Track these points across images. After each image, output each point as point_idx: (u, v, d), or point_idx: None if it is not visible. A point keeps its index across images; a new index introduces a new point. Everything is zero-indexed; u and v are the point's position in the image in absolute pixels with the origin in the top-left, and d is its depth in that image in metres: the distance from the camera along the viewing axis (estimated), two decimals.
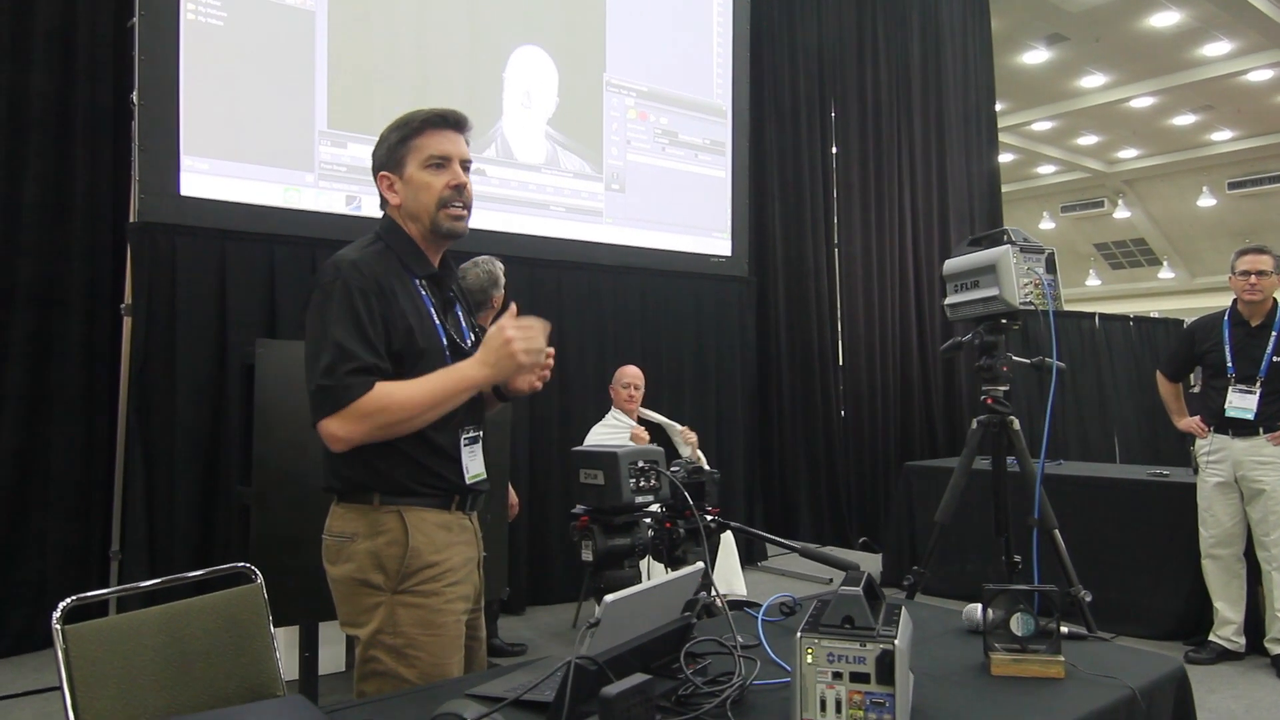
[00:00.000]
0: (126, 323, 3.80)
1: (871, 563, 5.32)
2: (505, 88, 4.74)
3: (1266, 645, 3.51)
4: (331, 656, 3.44)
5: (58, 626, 1.62)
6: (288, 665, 2.97)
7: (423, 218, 1.69)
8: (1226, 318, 3.66)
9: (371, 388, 1.53)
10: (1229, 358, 3.55)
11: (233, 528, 3.79)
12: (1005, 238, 2.48)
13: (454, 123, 1.71)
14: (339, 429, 1.53)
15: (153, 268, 3.74)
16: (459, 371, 1.60)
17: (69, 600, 1.68)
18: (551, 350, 1.69)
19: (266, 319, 3.96)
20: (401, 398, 1.55)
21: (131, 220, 3.75)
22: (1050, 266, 2.47)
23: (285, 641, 3.13)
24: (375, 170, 1.73)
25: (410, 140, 1.68)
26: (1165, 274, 17.32)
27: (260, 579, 1.97)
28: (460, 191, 1.69)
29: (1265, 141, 13.52)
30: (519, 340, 1.57)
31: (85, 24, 3.85)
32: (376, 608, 1.59)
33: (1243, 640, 3.58)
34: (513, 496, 3.92)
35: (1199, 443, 3.67)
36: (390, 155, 1.69)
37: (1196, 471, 3.69)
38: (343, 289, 1.57)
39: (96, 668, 1.65)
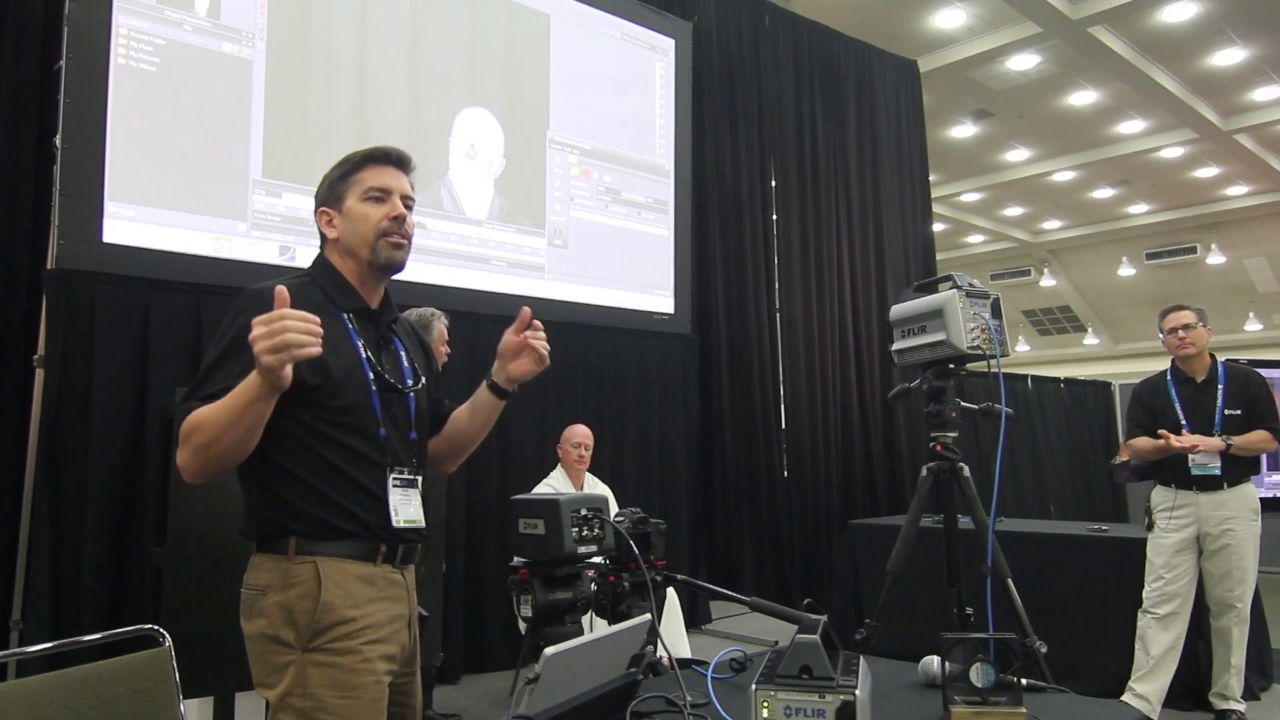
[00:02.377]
0: (38, 375, 3.59)
1: None
2: (452, 147, 4.71)
3: (1211, 699, 3.51)
4: None
5: None
6: None
7: (360, 250, 1.63)
8: (1169, 378, 3.69)
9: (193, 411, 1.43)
10: (1182, 416, 3.57)
11: (146, 593, 3.55)
12: (951, 282, 2.49)
13: (396, 159, 1.68)
14: (178, 458, 1.44)
15: (69, 317, 3.56)
16: (244, 381, 1.39)
17: None
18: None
19: (190, 372, 3.78)
20: (207, 414, 1.40)
21: (48, 267, 3.58)
22: (996, 312, 2.49)
23: (199, 714, 2.92)
24: (315, 208, 1.69)
25: (351, 175, 1.65)
26: (1090, 340, 17.92)
27: (169, 642, 1.81)
28: (400, 223, 1.63)
29: (1178, 215, 14.21)
30: (260, 340, 1.30)
31: (9, 66, 3.71)
32: (286, 667, 1.46)
33: (1159, 710, 3.54)
34: None
35: (1157, 498, 3.64)
36: (330, 191, 1.66)
37: (1150, 527, 3.64)
38: (235, 320, 1.50)
39: None
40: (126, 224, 3.70)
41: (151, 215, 3.76)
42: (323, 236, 1.68)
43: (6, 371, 3.65)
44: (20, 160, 3.73)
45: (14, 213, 3.70)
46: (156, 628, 1.82)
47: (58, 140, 3.58)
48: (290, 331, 1.29)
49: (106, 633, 1.79)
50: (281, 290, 1.34)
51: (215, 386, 1.44)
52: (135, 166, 3.72)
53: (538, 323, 1.72)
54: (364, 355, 1.59)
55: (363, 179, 1.63)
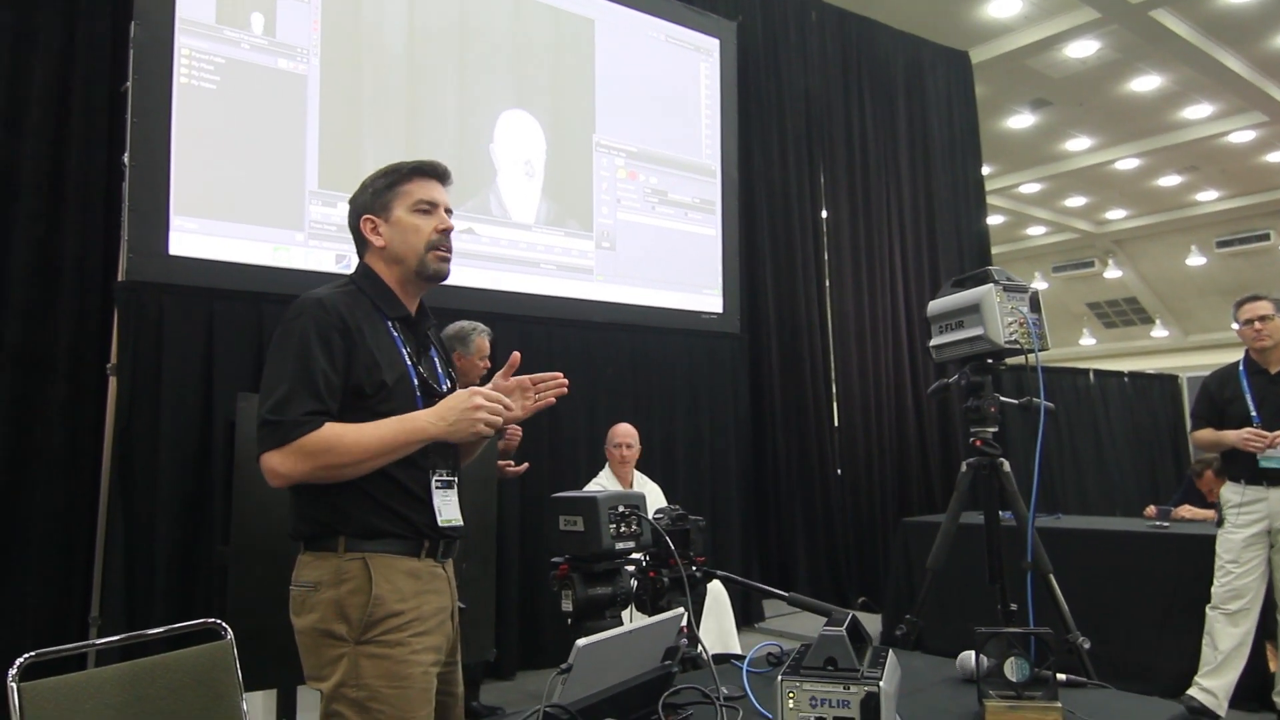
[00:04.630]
0: (111, 383, 3.77)
1: (872, 622, 5.20)
2: (496, 152, 4.80)
3: (1276, 699, 3.42)
4: None
5: (13, 684, 1.56)
6: None
7: (409, 259, 1.70)
8: (1243, 369, 3.62)
9: (320, 426, 1.52)
10: (1252, 408, 3.50)
11: (213, 590, 3.70)
12: (988, 277, 2.47)
13: (440, 174, 1.76)
14: (280, 464, 1.51)
15: (139, 327, 3.73)
16: (412, 422, 1.58)
17: (27, 656, 1.62)
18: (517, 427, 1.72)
19: (253, 378, 3.93)
20: (350, 440, 1.53)
21: (119, 280, 3.75)
22: (1034, 306, 2.46)
23: (263, 706, 3.03)
24: (357, 214, 1.75)
25: (398, 186, 1.71)
26: (1158, 332, 17.35)
27: (230, 635, 1.90)
28: (447, 236, 1.72)
29: (1250, 201, 13.68)
30: (484, 411, 1.58)
31: (80, 88, 3.90)
32: (339, 659, 1.53)
33: (1226, 707, 3.46)
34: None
35: (1227, 494, 3.58)
36: (376, 199, 1.72)
37: (1220, 523, 3.58)
38: (303, 328, 1.57)
39: None
40: (191, 236, 3.86)
41: (213, 227, 3.92)
42: (364, 243, 1.74)
43: (82, 380, 3.84)
44: (92, 178, 3.91)
45: (87, 229, 3.89)
46: (219, 622, 1.91)
47: (126, 158, 3.76)
48: (501, 414, 1.61)
49: (169, 627, 1.89)
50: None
51: (314, 403, 1.52)
52: (198, 181, 3.88)
53: (552, 378, 1.76)
54: (409, 362, 1.66)
55: (411, 191, 1.71)
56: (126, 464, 3.66)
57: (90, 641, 1.88)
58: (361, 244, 1.75)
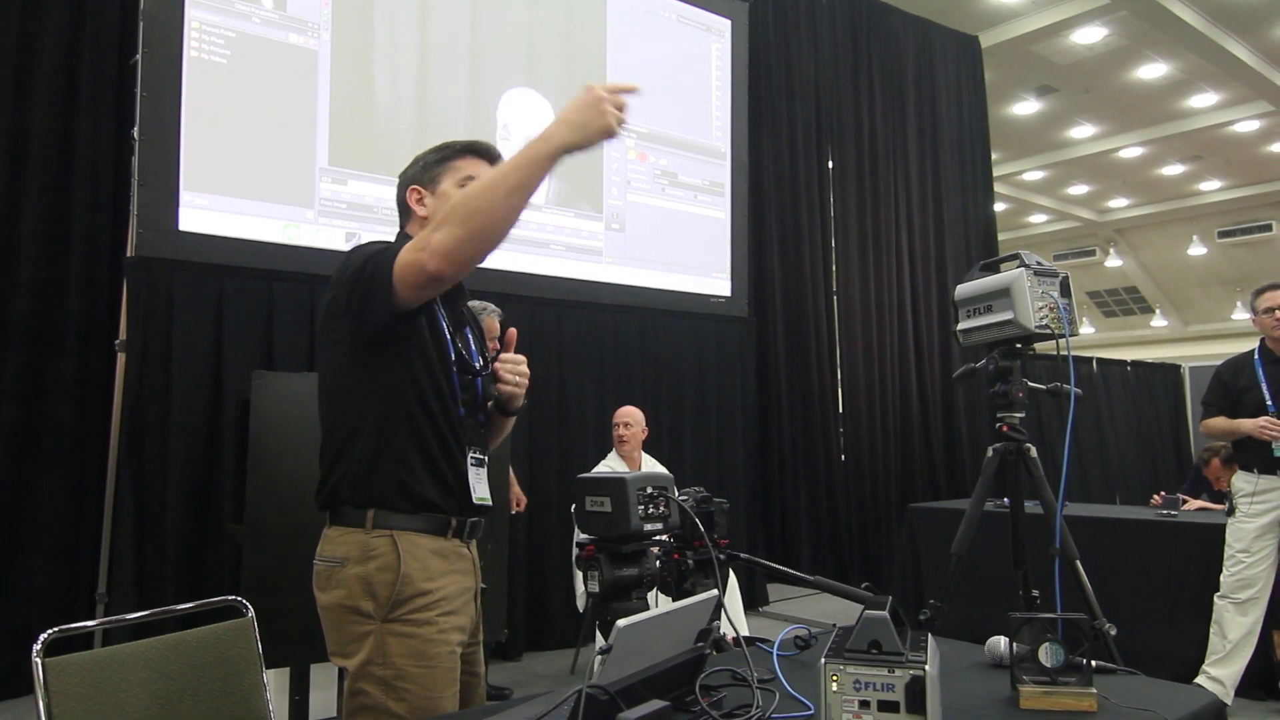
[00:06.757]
0: (120, 359, 3.74)
1: None
2: (506, 130, 4.76)
3: None
4: (323, 701, 3.32)
5: (38, 660, 1.55)
6: (278, 709, 2.86)
7: None
8: (1258, 357, 3.62)
9: None
10: (1268, 397, 3.50)
11: (224, 569, 3.70)
12: (1019, 261, 2.45)
13: (491, 155, 1.75)
14: (438, 244, 1.44)
15: (149, 303, 3.70)
16: (539, 138, 1.46)
17: (51, 632, 1.61)
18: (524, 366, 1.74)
19: (263, 355, 3.92)
20: (475, 185, 1.51)
21: (129, 255, 3.72)
22: (1065, 290, 2.45)
23: (275, 685, 3.02)
24: (404, 185, 1.74)
25: (449, 161, 1.72)
26: (1158, 322, 17.38)
27: (251, 613, 1.89)
28: None
29: (1253, 191, 13.68)
30: (610, 104, 1.43)
31: (89, 61, 3.86)
32: (366, 637, 1.52)
33: (1232, 696, 3.49)
34: (517, 490, 3.94)
35: (1239, 484, 3.58)
36: (425, 172, 1.73)
37: (1231, 512, 3.58)
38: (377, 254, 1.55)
39: (78, 704, 1.57)
40: (201, 212, 3.82)
41: (224, 204, 3.88)
42: (406, 213, 1.73)
43: (91, 356, 3.82)
44: (100, 152, 3.88)
45: (96, 203, 3.86)
46: (240, 599, 1.90)
47: (135, 132, 3.72)
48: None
49: (197, 603, 1.88)
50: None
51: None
52: (208, 156, 3.84)
53: (518, 356, 1.76)
54: (448, 336, 1.64)
55: (461, 167, 1.70)
56: (135, 441, 3.64)
57: (119, 617, 1.87)
58: (405, 214, 1.74)
